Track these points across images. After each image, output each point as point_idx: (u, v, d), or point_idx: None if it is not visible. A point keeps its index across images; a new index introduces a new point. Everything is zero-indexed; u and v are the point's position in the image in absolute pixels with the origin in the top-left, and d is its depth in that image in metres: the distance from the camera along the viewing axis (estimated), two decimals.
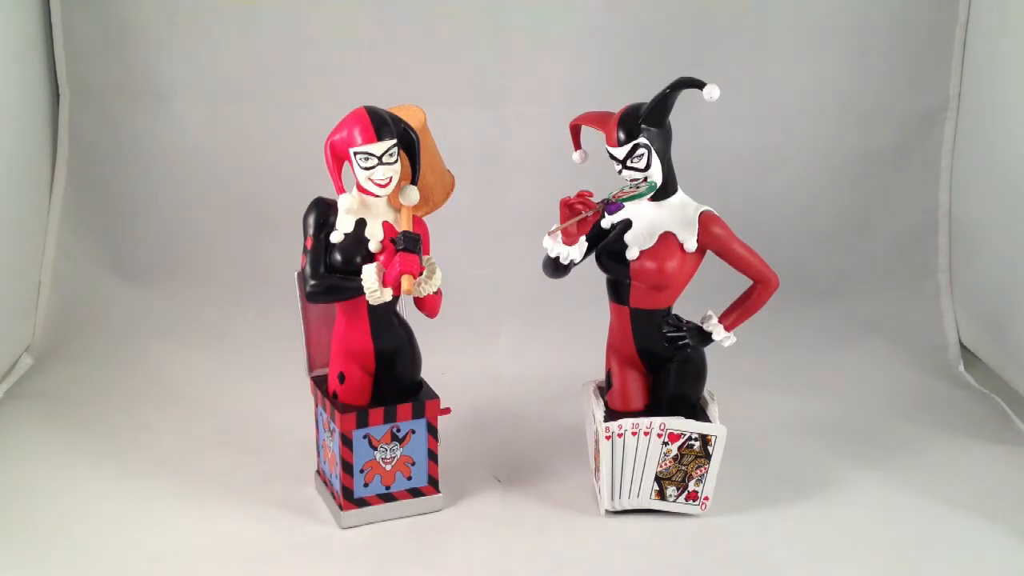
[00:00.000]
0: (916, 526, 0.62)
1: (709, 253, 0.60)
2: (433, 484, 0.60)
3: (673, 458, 0.61)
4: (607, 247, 0.60)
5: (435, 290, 0.56)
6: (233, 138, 1.00)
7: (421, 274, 0.54)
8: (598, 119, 0.60)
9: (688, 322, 0.62)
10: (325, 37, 0.98)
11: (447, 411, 0.59)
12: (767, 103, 1.01)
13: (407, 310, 0.61)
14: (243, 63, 0.99)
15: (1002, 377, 0.87)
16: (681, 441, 0.61)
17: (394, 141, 0.54)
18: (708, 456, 0.61)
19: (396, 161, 0.55)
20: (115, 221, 1.00)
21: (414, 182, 0.57)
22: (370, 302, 0.54)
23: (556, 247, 0.58)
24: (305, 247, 0.56)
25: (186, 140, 1.00)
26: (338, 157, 0.56)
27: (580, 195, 0.56)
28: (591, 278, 0.63)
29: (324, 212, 0.56)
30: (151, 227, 1.01)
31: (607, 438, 0.60)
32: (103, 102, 0.98)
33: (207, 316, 0.95)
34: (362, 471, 0.58)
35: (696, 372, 0.62)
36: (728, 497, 0.63)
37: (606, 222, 0.61)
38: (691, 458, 0.61)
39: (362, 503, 0.58)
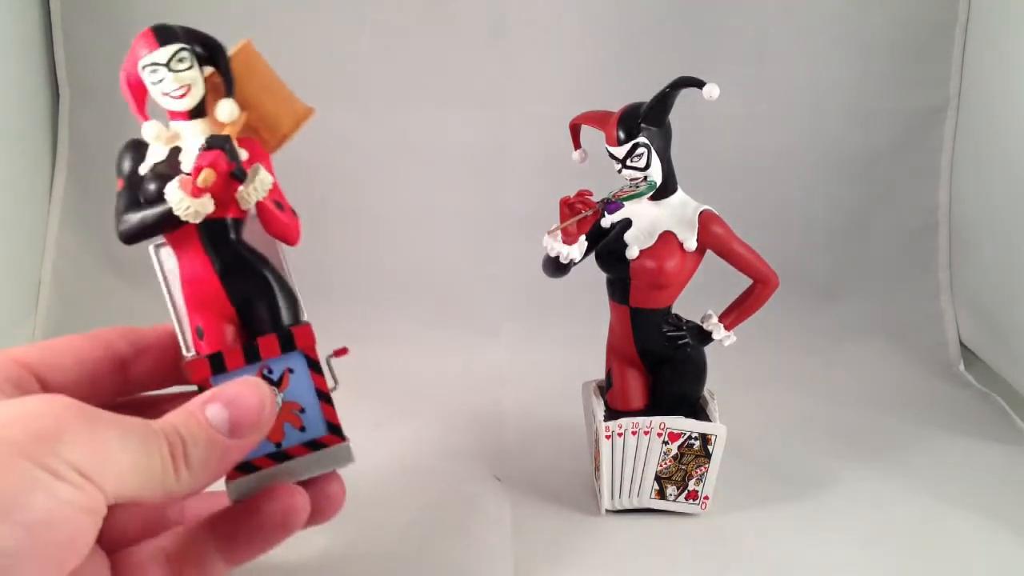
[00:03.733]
0: (916, 524, 0.62)
1: (709, 252, 0.60)
2: (335, 431, 0.47)
3: (673, 457, 0.61)
4: (607, 246, 0.60)
5: (263, 195, 0.45)
6: None
7: (235, 173, 0.44)
8: (598, 118, 0.60)
9: (688, 321, 0.62)
10: (324, 36, 0.98)
11: (344, 352, 0.48)
12: (767, 103, 1.01)
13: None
14: None
15: (1002, 376, 0.87)
16: (681, 440, 0.61)
17: (181, 45, 0.46)
18: (708, 455, 0.61)
19: (191, 67, 0.47)
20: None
21: (229, 95, 0.48)
22: (187, 219, 0.44)
23: (556, 246, 0.58)
24: (116, 190, 0.47)
25: None
26: (136, 88, 0.47)
27: (580, 194, 0.57)
28: (591, 278, 0.63)
29: (137, 150, 0.48)
30: None
31: (607, 437, 0.60)
32: (103, 102, 0.99)
33: None
34: None
35: (696, 371, 0.62)
36: (728, 496, 0.63)
37: (606, 221, 0.61)
38: (691, 457, 0.61)
39: (250, 468, 0.46)
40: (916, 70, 0.99)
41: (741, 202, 0.91)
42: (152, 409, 0.49)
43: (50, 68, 0.98)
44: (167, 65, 0.47)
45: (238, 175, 0.45)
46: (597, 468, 0.63)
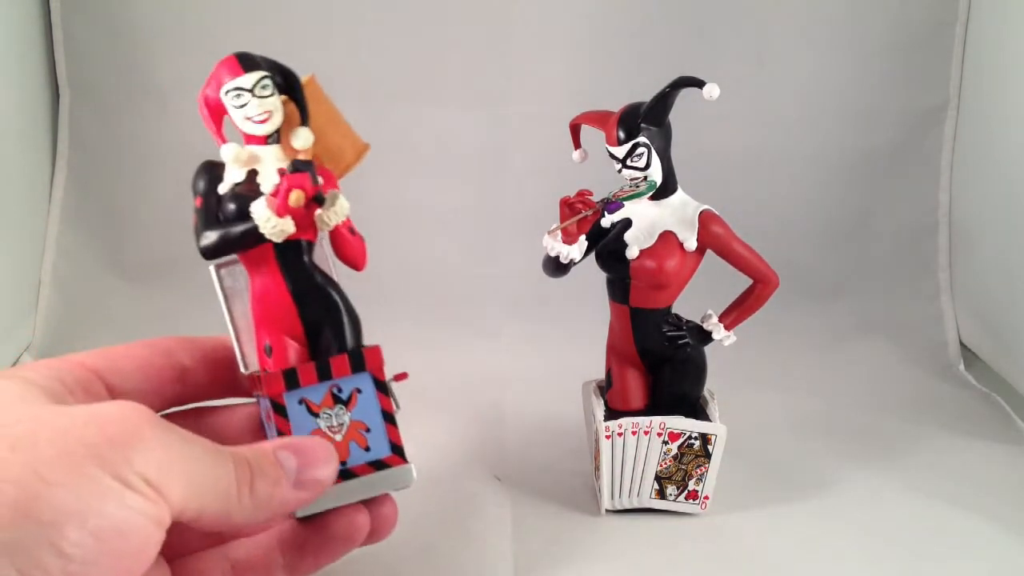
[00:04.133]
0: (916, 524, 0.62)
1: (709, 252, 0.60)
2: (398, 452, 0.48)
3: (673, 457, 0.61)
4: (607, 246, 0.60)
5: (342, 219, 0.48)
6: (233, 138, 1.00)
7: (316, 197, 0.46)
8: (598, 118, 0.60)
9: (688, 321, 0.62)
10: (325, 36, 0.98)
11: (403, 376, 0.50)
12: (767, 103, 1.01)
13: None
14: None
15: (1002, 376, 0.87)
16: (681, 440, 0.61)
17: (265, 73, 0.48)
18: (708, 455, 0.61)
19: (272, 94, 0.49)
20: (115, 221, 1.00)
21: (304, 123, 0.50)
22: (271, 238, 0.46)
23: (556, 246, 0.58)
24: (194, 207, 0.49)
25: (186, 140, 1.00)
26: (215, 111, 0.49)
27: (580, 194, 0.57)
28: (591, 277, 0.63)
29: (213, 172, 0.49)
30: (151, 227, 1.01)
31: (607, 437, 0.60)
32: (103, 102, 0.99)
33: (207, 316, 0.95)
34: None
35: (696, 371, 0.62)
36: (728, 496, 0.63)
37: (606, 221, 0.61)
38: (691, 457, 0.61)
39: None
40: (916, 70, 0.99)
41: (741, 202, 0.91)
42: (206, 419, 0.50)
43: (50, 68, 0.98)
44: (251, 91, 0.49)
45: (319, 199, 0.48)
46: (597, 468, 0.63)
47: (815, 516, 0.63)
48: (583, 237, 0.58)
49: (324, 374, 0.48)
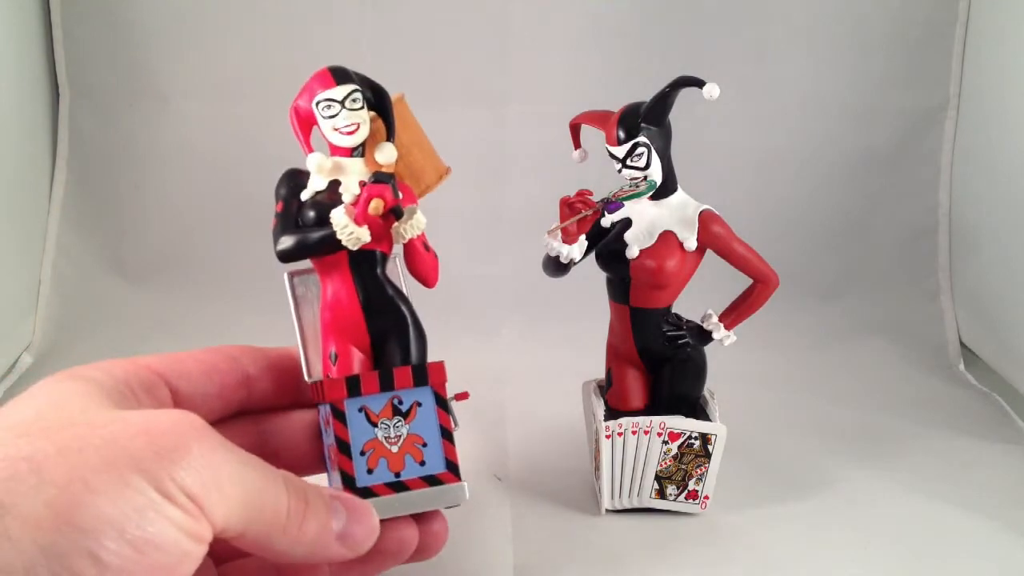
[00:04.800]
0: (916, 524, 0.62)
1: (709, 252, 0.60)
2: (452, 470, 0.49)
3: (673, 457, 0.61)
4: (607, 246, 0.60)
5: (417, 233, 0.49)
6: (234, 138, 1.00)
7: (395, 209, 0.47)
8: (598, 118, 0.60)
9: (688, 321, 0.62)
10: (326, 36, 0.98)
11: (465, 396, 0.51)
12: (767, 102, 1.01)
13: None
14: (244, 63, 0.99)
15: (1002, 376, 0.87)
16: (681, 440, 0.61)
17: (356, 87, 0.50)
18: (708, 455, 0.61)
19: (362, 108, 0.50)
20: (115, 221, 1.00)
21: (389, 139, 0.51)
22: (347, 245, 0.47)
23: (556, 246, 0.58)
24: (275, 211, 0.50)
25: (186, 140, 1.00)
26: (304, 121, 0.51)
27: (580, 194, 0.57)
28: (591, 277, 0.63)
29: (296, 179, 0.51)
30: (151, 227, 1.01)
31: (607, 437, 0.60)
32: (103, 102, 0.99)
33: (207, 316, 0.95)
34: (363, 454, 0.48)
35: (696, 371, 0.62)
36: (728, 496, 0.63)
37: (606, 221, 0.61)
38: (691, 457, 0.61)
39: (368, 494, 0.47)
40: (916, 70, 0.99)
41: (741, 202, 0.91)
42: (266, 424, 0.50)
43: (50, 68, 0.98)
44: (342, 103, 0.50)
45: (396, 211, 0.48)
46: (597, 468, 0.63)
47: (815, 516, 0.63)
48: (583, 237, 0.58)
49: (386, 384, 0.49)
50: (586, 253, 0.60)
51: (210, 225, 1.01)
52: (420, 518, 0.48)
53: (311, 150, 0.52)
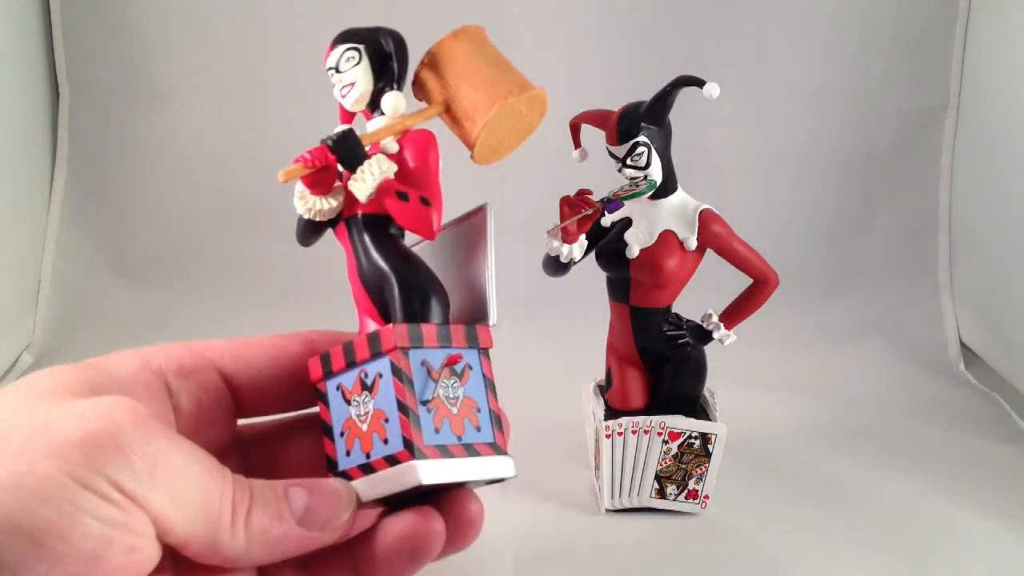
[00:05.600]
0: (916, 524, 0.62)
1: (709, 252, 0.60)
2: (408, 447, 0.41)
3: (673, 456, 0.61)
4: (607, 245, 0.60)
5: (369, 186, 0.44)
6: (234, 138, 1.00)
7: (344, 164, 0.44)
8: (598, 117, 0.60)
9: (688, 321, 0.62)
10: (327, 36, 0.98)
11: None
12: (767, 102, 1.01)
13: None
14: (244, 62, 0.99)
15: (1002, 375, 0.87)
16: (681, 440, 0.61)
17: (350, 45, 0.47)
18: (708, 455, 0.61)
19: (356, 65, 0.47)
20: (115, 221, 1.00)
21: (399, 86, 0.48)
22: (314, 219, 0.45)
23: (556, 245, 0.58)
24: None
25: (186, 140, 1.00)
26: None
27: (580, 193, 0.57)
28: (591, 277, 0.63)
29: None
30: (151, 227, 1.01)
31: (607, 437, 0.60)
32: (103, 102, 0.99)
33: (207, 314, 0.95)
34: (342, 434, 0.43)
35: (696, 370, 0.62)
36: (728, 495, 0.63)
37: (606, 220, 0.61)
38: (691, 456, 0.61)
39: (345, 477, 0.43)
40: (916, 70, 0.99)
41: (741, 201, 0.91)
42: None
43: (50, 68, 0.98)
44: (336, 67, 0.48)
45: (349, 167, 0.45)
46: (597, 468, 0.63)
47: (815, 515, 0.63)
48: (583, 236, 0.58)
49: (350, 358, 0.43)
50: (586, 253, 0.60)
51: (210, 224, 1.01)
52: (447, 505, 0.42)
53: (344, 120, 0.49)
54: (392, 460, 0.41)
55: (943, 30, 0.98)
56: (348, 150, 0.45)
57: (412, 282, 0.44)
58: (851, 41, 0.99)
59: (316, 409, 0.44)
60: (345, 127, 0.46)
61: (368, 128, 0.48)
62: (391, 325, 0.42)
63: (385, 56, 0.49)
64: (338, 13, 0.97)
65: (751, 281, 0.60)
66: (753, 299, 0.60)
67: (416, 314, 0.43)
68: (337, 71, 0.48)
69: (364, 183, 0.45)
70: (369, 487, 0.41)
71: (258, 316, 0.94)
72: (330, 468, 0.43)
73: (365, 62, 0.48)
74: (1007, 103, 0.88)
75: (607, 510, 0.62)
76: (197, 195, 1.01)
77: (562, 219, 0.57)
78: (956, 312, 0.97)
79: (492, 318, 0.45)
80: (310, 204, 0.45)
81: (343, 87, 0.48)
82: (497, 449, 0.45)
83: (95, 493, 0.31)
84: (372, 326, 0.45)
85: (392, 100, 0.47)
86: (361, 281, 0.46)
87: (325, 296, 0.73)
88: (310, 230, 0.47)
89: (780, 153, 1.02)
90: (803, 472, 0.69)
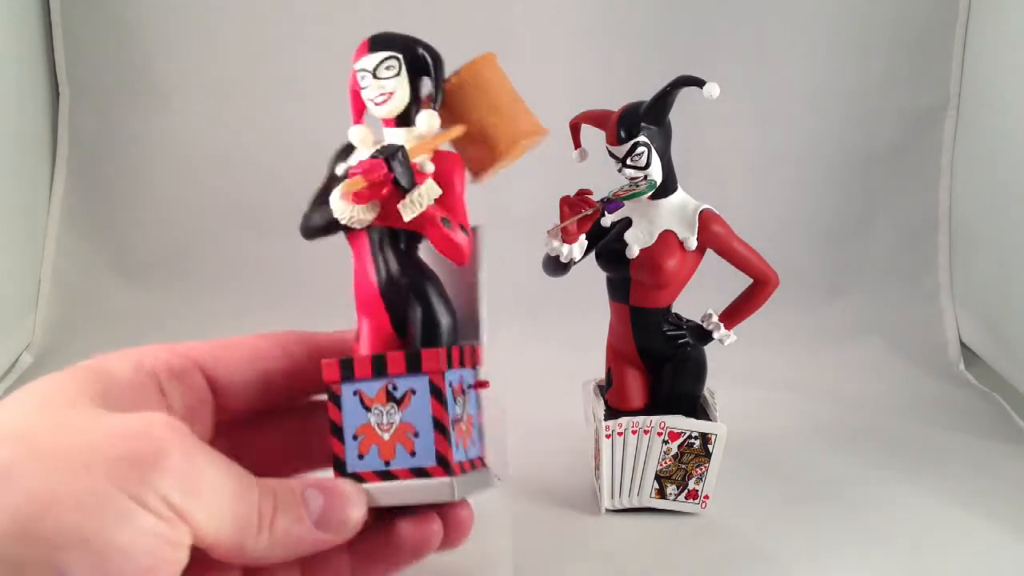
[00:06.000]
0: (916, 524, 0.62)
1: (709, 252, 0.60)
2: (443, 464, 0.44)
3: (673, 456, 0.61)
4: (607, 245, 0.60)
5: (419, 208, 0.45)
6: (234, 138, 1.00)
7: (395, 182, 0.44)
8: (598, 117, 0.60)
9: (688, 321, 0.62)
10: (327, 36, 0.98)
11: (485, 384, 0.48)
12: (767, 102, 1.01)
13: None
14: (244, 62, 0.99)
15: (1002, 375, 0.87)
16: (681, 440, 0.61)
17: (391, 53, 0.47)
18: (708, 455, 0.61)
19: (397, 75, 0.47)
20: (115, 221, 1.00)
21: (435, 106, 0.48)
22: (350, 225, 0.45)
23: (556, 245, 0.58)
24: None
25: (186, 140, 1.00)
26: (355, 91, 0.48)
27: (580, 193, 0.57)
28: (591, 277, 0.63)
29: (347, 153, 0.48)
30: (151, 227, 1.01)
31: (607, 437, 0.60)
32: (103, 102, 0.99)
33: (207, 315, 0.95)
34: (355, 438, 0.46)
35: (696, 370, 0.62)
36: (728, 495, 0.63)
37: (606, 220, 0.61)
38: (691, 457, 0.61)
39: (356, 479, 0.46)
40: (916, 69, 0.99)
41: (741, 201, 0.91)
42: (308, 417, 0.49)
43: (50, 68, 0.98)
44: (373, 72, 0.48)
45: (402, 186, 0.45)
46: (597, 468, 0.63)
47: (815, 516, 0.63)
48: (583, 236, 0.58)
49: (379, 369, 0.45)
50: (586, 253, 0.60)
51: (210, 224, 1.01)
52: (444, 508, 0.46)
53: (357, 121, 0.49)
54: (421, 472, 0.44)
55: (943, 30, 0.98)
56: (406, 170, 0.46)
57: (437, 306, 0.47)
58: (851, 41, 0.99)
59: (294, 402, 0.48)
60: (398, 145, 0.46)
61: (387, 138, 0.48)
62: (435, 349, 0.45)
63: (422, 69, 0.49)
64: (338, 13, 0.97)
65: (751, 281, 0.60)
66: (753, 299, 0.60)
67: (441, 337, 0.47)
68: (375, 76, 0.48)
69: (415, 205, 0.46)
70: (387, 493, 0.44)
71: (258, 316, 0.94)
72: (337, 467, 0.45)
73: (404, 73, 0.48)
74: (1007, 103, 0.88)
75: (607, 510, 0.62)
76: (197, 195, 1.01)
77: (562, 219, 0.57)
78: (956, 312, 0.97)
79: (483, 339, 0.49)
80: (353, 213, 0.46)
81: (381, 94, 0.48)
82: (423, 473, 0.46)
83: (151, 511, 0.33)
84: (377, 333, 0.47)
85: (429, 119, 0.48)
86: (380, 291, 0.47)
87: (324, 297, 0.73)
88: (327, 231, 0.47)
89: (780, 153, 1.02)
90: (803, 472, 0.69)
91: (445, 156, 0.49)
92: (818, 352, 0.94)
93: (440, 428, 0.45)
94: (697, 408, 0.62)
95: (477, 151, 0.50)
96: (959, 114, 0.99)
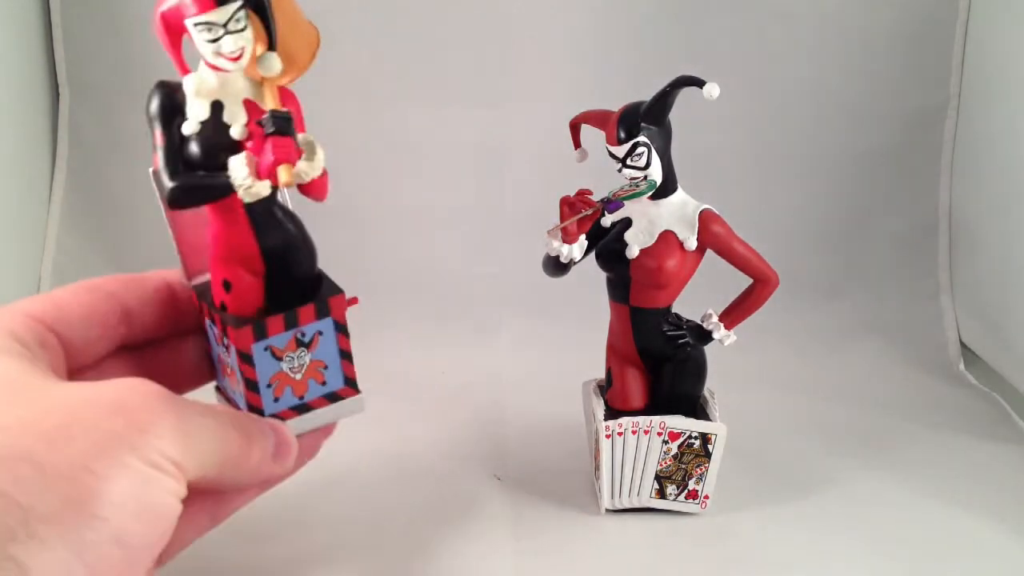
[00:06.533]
0: (915, 523, 0.62)
1: (709, 252, 0.60)
2: (351, 384, 0.52)
3: (673, 457, 0.61)
4: (607, 245, 0.60)
5: (319, 172, 0.46)
6: None
7: (300, 159, 0.45)
8: (598, 117, 0.60)
9: (688, 321, 0.62)
10: (325, 35, 0.97)
11: (354, 301, 0.51)
12: (767, 102, 1.01)
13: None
14: None
15: (1002, 375, 0.87)
16: (681, 440, 0.61)
17: (239, 3, 0.44)
18: (708, 455, 0.61)
19: (246, 27, 0.45)
20: (115, 221, 1.00)
21: (272, 48, 0.47)
22: (244, 199, 0.45)
23: (556, 245, 0.58)
24: (154, 143, 0.46)
25: None
26: (174, 31, 0.46)
27: (580, 193, 0.57)
28: (591, 277, 0.63)
29: (171, 97, 0.46)
30: (151, 227, 1.01)
31: (607, 437, 0.60)
32: (103, 101, 0.99)
33: None
34: (269, 386, 0.49)
35: (696, 371, 0.62)
36: (728, 495, 0.63)
37: (606, 220, 0.61)
38: (691, 457, 0.61)
39: (276, 419, 0.49)
40: (916, 69, 0.99)
41: (741, 201, 0.91)
42: (158, 357, 0.51)
43: (50, 68, 0.98)
44: (224, 26, 0.45)
45: (288, 147, 0.46)
46: (597, 468, 0.63)
47: (815, 516, 0.63)
48: (583, 236, 0.58)
49: (291, 323, 0.49)
50: (586, 253, 0.60)
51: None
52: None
53: (187, 69, 0.47)
54: (334, 397, 0.51)
55: (943, 30, 0.98)
56: (292, 132, 0.46)
57: (310, 241, 0.50)
58: (851, 41, 0.99)
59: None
60: (283, 112, 0.46)
61: (218, 83, 0.47)
62: (340, 295, 0.50)
63: (260, 13, 0.47)
64: (337, 12, 0.97)
65: (751, 281, 0.60)
66: (753, 299, 0.60)
67: (314, 269, 0.51)
68: (227, 31, 0.45)
69: (314, 170, 0.47)
70: (307, 422, 0.50)
71: None
72: (255, 413, 0.49)
73: (249, 22, 0.46)
74: (1007, 103, 0.88)
75: (607, 510, 0.62)
76: None
77: (562, 219, 0.57)
78: (956, 312, 0.97)
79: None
80: (256, 189, 0.45)
81: (236, 49, 0.46)
82: (335, 397, 0.52)
83: (161, 471, 0.37)
84: (250, 282, 0.49)
85: (273, 62, 0.47)
86: (257, 240, 0.48)
87: None
88: (209, 199, 0.47)
89: (780, 153, 1.02)
90: (803, 472, 0.69)
91: (287, 94, 0.49)
92: (818, 352, 0.94)
93: (347, 356, 0.51)
94: (697, 408, 0.62)
95: (285, 89, 0.50)
96: (959, 114, 0.99)
